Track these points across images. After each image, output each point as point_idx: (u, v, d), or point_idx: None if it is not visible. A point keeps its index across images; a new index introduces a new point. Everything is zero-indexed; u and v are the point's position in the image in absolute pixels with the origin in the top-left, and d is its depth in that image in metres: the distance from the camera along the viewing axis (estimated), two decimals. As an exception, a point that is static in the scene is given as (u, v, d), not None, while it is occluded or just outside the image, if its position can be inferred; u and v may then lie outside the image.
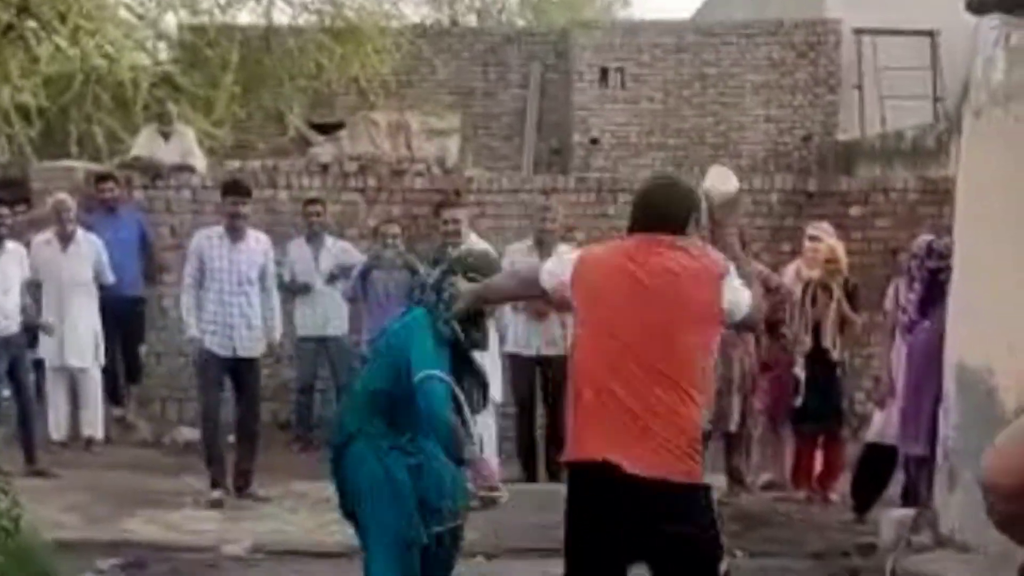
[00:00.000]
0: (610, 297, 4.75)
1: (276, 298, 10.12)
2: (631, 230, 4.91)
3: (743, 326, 5.22)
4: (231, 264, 9.68)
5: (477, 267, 5.82)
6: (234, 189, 9.96)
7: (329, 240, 12.13)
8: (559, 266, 5.02)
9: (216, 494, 9.65)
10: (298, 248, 12.13)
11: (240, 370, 9.78)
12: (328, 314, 11.92)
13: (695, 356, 4.69)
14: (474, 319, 5.75)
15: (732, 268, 4.80)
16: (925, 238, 8.92)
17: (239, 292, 9.70)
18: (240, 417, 9.97)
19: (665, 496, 4.57)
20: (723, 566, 4.71)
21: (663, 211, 4.84)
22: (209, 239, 9.78)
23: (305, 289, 11.95)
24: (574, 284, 4.86)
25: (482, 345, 5.90)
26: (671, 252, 4.75)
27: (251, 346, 9.79)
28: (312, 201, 12.29)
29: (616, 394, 4.63)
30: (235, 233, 9.71)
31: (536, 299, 6.00)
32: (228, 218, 9.77)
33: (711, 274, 4.74)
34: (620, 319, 4.69)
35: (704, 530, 4.67)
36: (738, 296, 4.78)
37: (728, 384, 9.95)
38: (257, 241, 9.92)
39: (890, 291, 9.64)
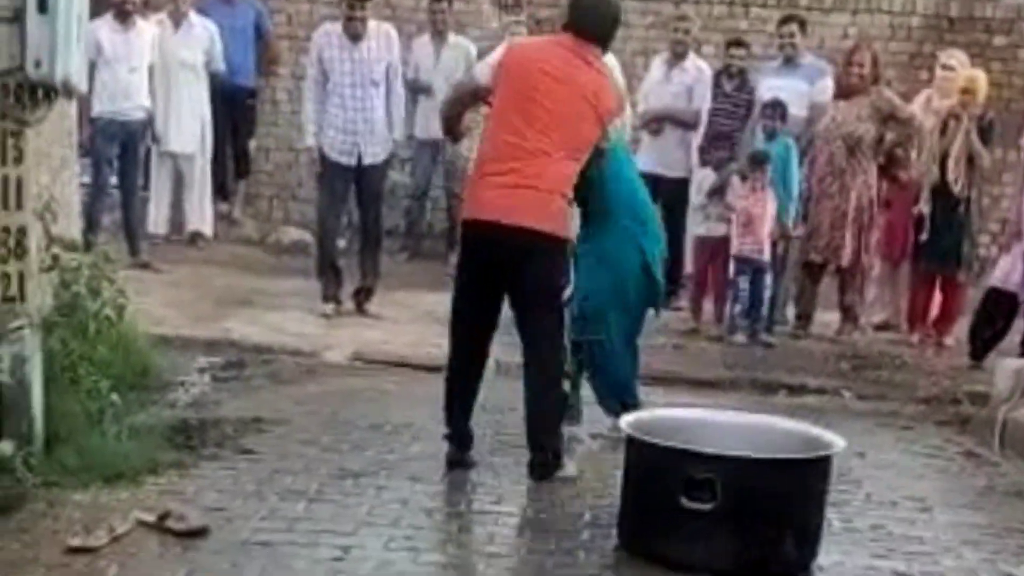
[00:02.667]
0: (520, 81, 5.90)
1: (402, 97, 9.74)
2: (563, 29, 6.09)
3: None
4: (353, 66, 9.23)
5: None
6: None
7: (452, 38, 11.78)
8: (486, 61, 6.25)
9: (327, 308, 9.45)
10: (421, 46, 11.79)
11: (363, 178, 9.39)
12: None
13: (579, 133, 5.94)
14: None
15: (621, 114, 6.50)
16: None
17: (361, 96, 9.25)
18: (363, 228, 9.69)
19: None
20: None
21: (590, 21, 6.00)
22: (328, 38, 9.34)
23: (426, 90, 11.63)
24: (500, 66, 6.01)
25: None
26: (584, 63, 5.93)
27: (375, 152, 9.38)
28: None
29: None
30: (355, 34, 9.27)
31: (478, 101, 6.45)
32: (347, 22, 9.27)
33: (613, 103, 6.10)
34: (524, 99, 5.85)
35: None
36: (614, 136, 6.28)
37: (843, 217, 9.64)
38: (380, 38, 9.39)
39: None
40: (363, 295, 9.61)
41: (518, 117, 5.86)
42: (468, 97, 6.37)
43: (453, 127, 6.53)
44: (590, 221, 6.68)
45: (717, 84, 10.55)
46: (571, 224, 6.13)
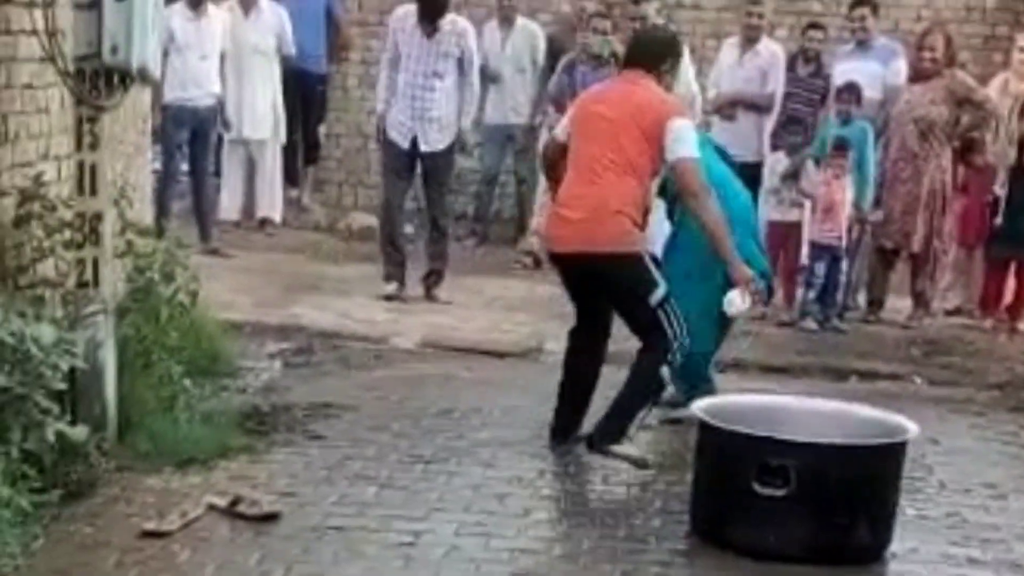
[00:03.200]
0: (582, 125, 6.27)
1: (476, 90, 9.74)
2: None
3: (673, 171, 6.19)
4: (421, 53, 9.29)
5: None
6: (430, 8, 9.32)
7: (520, 23, 11.74)
8: (562, 127, 6.51)
9: (389, 288, 9.49)
10: (490, 32, 11.75)
11: (424, 164, 9.46)
12: (518, 103, 11.62)
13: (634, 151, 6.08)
14: None
15: (683, 119, 6.18)
16: None
17: (422, 86, 9.31)
18: (429, 214, 9.74)
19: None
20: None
21: (639, 52, 6.46)
22: (403, 22, 9.42)
23: (494, 77, 11.62)
24: (570, 120, 6.42)
25: None
26: (632, 86, 6.26)
27: (434, 139, 9.41)
28: None
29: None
30: (429, 26, 9.29)
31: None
32: (420, 11, 9.31)
33: (659, 109, 6.12)
34: (585, 139, 6.21)
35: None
36: (678, 142, 6.05)
37: (915, 201, 9.54)
38: (453, 33, 9.41)
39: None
40: (431, 280, 9.62)
41: (581, 154, 6.20)
42: (556, 154, 6.52)
43: (553, 179, 6.66)
44: (681, 229, 6.73)
45: (791, 68, 10.48)
46: (641, 236, 6.15)
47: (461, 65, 9.45)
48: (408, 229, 10.05)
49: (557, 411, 6.37)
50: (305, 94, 11.96)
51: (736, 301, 6.15)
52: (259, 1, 11.35)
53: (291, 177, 12.13)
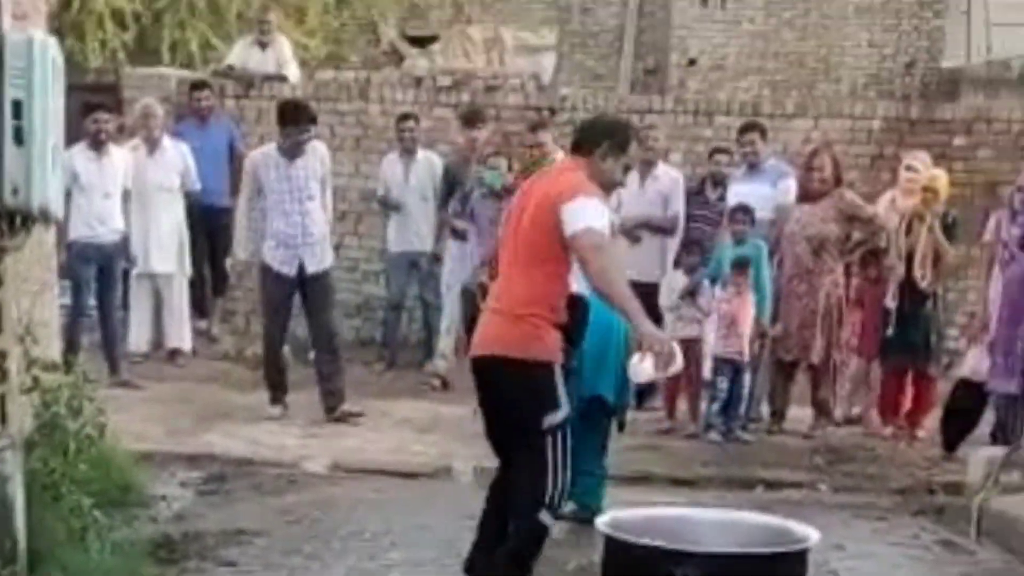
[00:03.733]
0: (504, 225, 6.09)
1: (330, 209, 10.07)
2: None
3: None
4: (291, 183, 9.58)
5: None
6: (299, 115, 9.64)
7: (421, 154, 11.99)
8: None
9: (274, 411, 9.71)
10: (391, 164, 12.01)
11: (309, 286, 9.68)
12: (420, 231, 11.82)
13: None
14: None
15: (584, 196, 5.63)
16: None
17: (300, 211, 9.59)
18: (316, 335, 9.90)
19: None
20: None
21: (576, 138, 6.08)
22: (265, 159, 9.69)
23: (397, 207, 11.84)
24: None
25: None
26: (556, 174, 5.99)
27: (319, 260, 9.69)
28: (405, 117, 12.10)
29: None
30: (293, 156, 9.59)
31: None
32: (293, 146, 9.56)
33: (561, 192, 5.66)
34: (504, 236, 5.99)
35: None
36: (573, 215, 5.57)
37: (812, 315, 9.82)
38: (314, 153, 9.73)
39: (990, 224, 9.44)
40: (331, 398, 9.74)
41: (503, 253, 5.93)
42: None
43: None
44: None
45: (701, 192, 10.85)
46: (553, 342, 5.67)
47: (323, 186, 9.78)
48: (311, 355, 10.17)
49: (479, 528, 5.96)
50: (210, 228, 12.07)
51: (643, 367, 5.62)
52: (162, 140, 11.52)
53: (200, 308, 12.22)
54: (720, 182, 10.79)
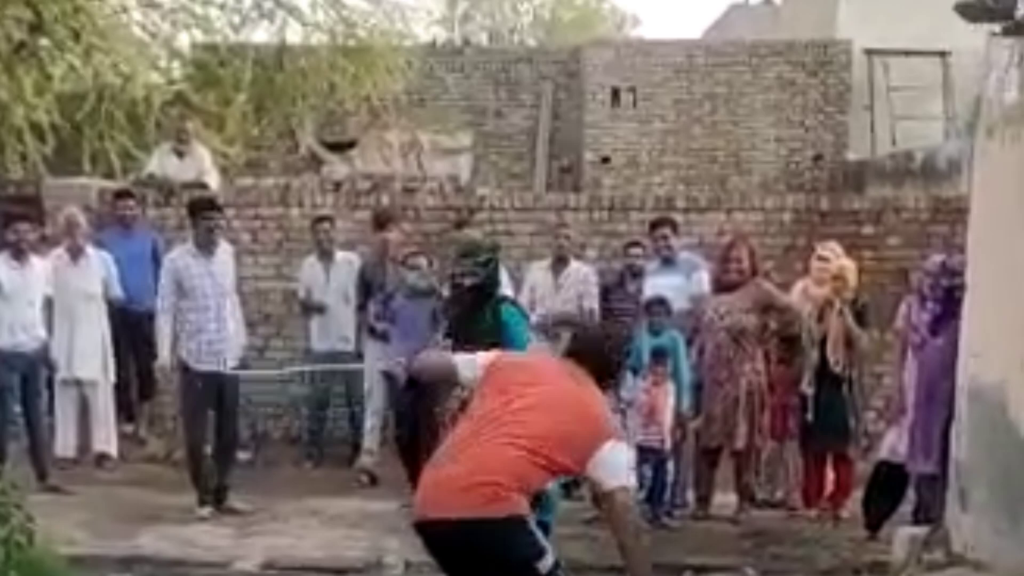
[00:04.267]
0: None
1: (238, 307, 10.24)
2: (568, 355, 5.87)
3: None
4: (212, 278, 9.77)
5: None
6: (207, 206, 10.02)
7: (339, 255, 12.14)
8: (471, 366, 5.86)
9: (204, 511, 9.75)
10: (310, 267, 12.16)
11: (223, 384, 9.81)
12: (342, 331, 11.93)
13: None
14: None
15: (618, 439, 5.56)
16: (938, 257, 8.95)
17: (219, 306, 9.77)
18: (220, 432, 10.00)
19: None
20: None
21: (594, 361, 5.74)
22: (183, 257, 9.86)
23: (319, 308, 11.97)
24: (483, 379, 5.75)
25: None
26: (575, 379, 5.65)
27: (235, 356, 9.89)
28: (320, 219, 12.28)
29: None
30: (211, 248, 9.79)
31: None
32: (206, 232, 9.80)
33: (591, 428, 5.47)
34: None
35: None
36: (614, 470, 5.43)
37: (735, 403, 10.01)
38: (226, 252, 10.03)
39: (902, 309, 9.66)
40: (219, 495, 9.86)
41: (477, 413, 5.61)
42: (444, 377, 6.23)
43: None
44: None
45: (621, 285, 11.07)
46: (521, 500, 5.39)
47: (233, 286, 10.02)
48: (243, 455, 10.22)
49: None
50: (135, 332, 12.07)
51: None
52: (85, 249, 11.60)
53: (127, 412, 12.21)
54: (637, 274, 11.03)
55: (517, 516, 5.31)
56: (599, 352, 5.78)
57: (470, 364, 5.85)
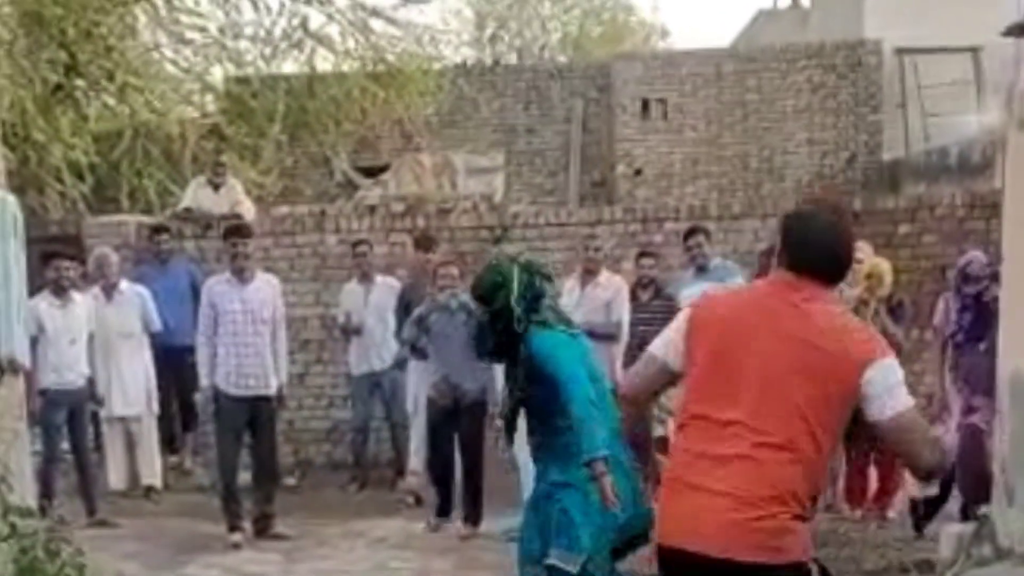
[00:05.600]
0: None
1: (284, 343, 10.24)
2: (791, 267, 4.38)
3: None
4: (243, 304, 9.84)
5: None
6: (233, 232, 10.16)
7: (379, 279, 12.23)
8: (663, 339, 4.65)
9: (235, 538, 9.80)
10: (350, 292, 12.26)
11: (257, 410, 9.89)
12: (381, 352, 12.00)
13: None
14: None
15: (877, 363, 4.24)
16: (968, 257, 8.94)
17: (253, 333, 9.84)
18: (258, 459, 10.09)
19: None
20: None
21: (831, 255, 4.38)
22: (219, 283, 10.00)
23: (357, 330, 12.06)
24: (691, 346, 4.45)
25: None
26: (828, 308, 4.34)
27: (270, 382, 9.92)
28: (359, 243, 12.37)
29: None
30: (242, 274, 9.88)
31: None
32: (232, 260, 9.97)
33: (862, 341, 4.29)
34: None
35: None
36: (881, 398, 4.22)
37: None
38: (267, 283, 10.12)
39: (940, 306, 9.63)
40: (262, 522, 9.92)
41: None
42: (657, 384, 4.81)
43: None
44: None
45: (634, 297, 11.05)
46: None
47: (275, 316, 10.01)
48: (289, 481, 10.27)
49: None
50: (177, 366, 12.19)
51: None
52: (119, 285, 11.73)
53: (171, 444, 12.35)
54: (648, 284, 11.03)
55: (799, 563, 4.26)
56: (823, 246, 4.37)
57: (669, 347, 4.60)
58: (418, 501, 11.00)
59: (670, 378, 4.62)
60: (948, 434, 9.14)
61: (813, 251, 4.35)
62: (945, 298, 9.58)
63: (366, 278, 12.19)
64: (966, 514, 8.94)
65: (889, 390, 4.21)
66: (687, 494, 4.25)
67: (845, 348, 4.22)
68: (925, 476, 4.70)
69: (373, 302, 12.08)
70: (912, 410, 4.27)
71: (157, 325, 11.85)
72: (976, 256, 9.20)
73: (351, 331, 12.09)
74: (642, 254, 11.39)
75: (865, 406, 4.22)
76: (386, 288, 12.08)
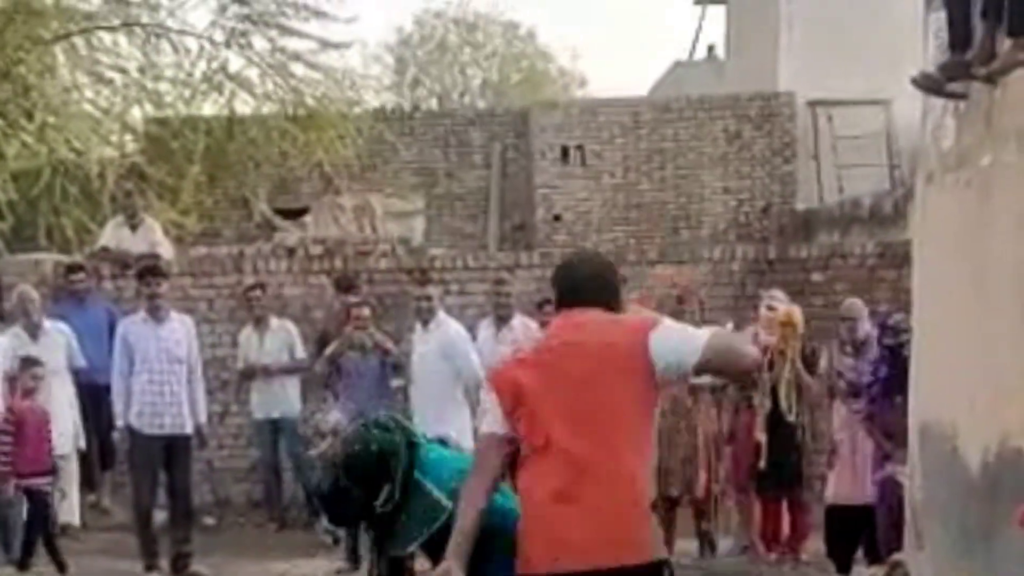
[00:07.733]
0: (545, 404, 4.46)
1: (201, 383, 10.26)
2: (559, 306, 4.74)
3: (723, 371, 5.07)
4: (158, 343, 9.85)
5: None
6: (147, 272, 10.18)
7: (274, 322, 12.25)
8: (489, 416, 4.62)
9: None
10: (246, 335, 12.28)
11: (172, 449, 9.88)
12: (280, 396, 12.04)
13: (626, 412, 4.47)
14: None
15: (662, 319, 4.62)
16: (890, 309, 9.16)
17: (168, 372, 9.85)
18: (173, 498, 10.06)
19: None
20: None
21: (591, 284, 4.70)
22: (134, 323, 10.01)
23: (250, 375, 12.12)
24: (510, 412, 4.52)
25: None
26: (595, 323, 4.59)
27: (185, 422, 9.90)
28: (252, 287, 12.39)
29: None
30: (156, 314, 9.90)
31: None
32: (146, 299, 9.97)
33: (633, 329, 4.54)
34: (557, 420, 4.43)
35: None
36: (673, 343, 4.47)
37: (694, 452, 10.14)
38: (182, 323, 10.13)
39: (824, 356, 9.87)
40: (180, 562, 9.89)
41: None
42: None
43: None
44: None
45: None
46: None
47: (189, 357, 10.03)
48: (208, 520, 10.24)
49: None
50: (95, 404, 12.10)
51: None
52: (42, 324, 11.63)
53: (89, 482, 12.23)
54: None
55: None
56: (585, 273, 4.78)
57: (492, 420, 4.60)
58: (335, 541, 11.00)
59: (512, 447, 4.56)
60: (843, 476, 9.40)
61: (578, 279, 4.72)
62: (828, 346, 9.82)
63: (260, 322, 12.20)
64: (870, 556, 9.14)
65: (684, 341, 4.50)
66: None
67: (624, 328, 4.57)
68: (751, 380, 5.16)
69: (268, 346, 12.10)
70: (714, 336, 4.55)
71: (82, 361, 11.77)
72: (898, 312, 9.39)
73: (250, 375, 12.12)
74: (545, 301, 11.47)
75: (676, 364, 4.50)
76: (283, 332, 12.11)
